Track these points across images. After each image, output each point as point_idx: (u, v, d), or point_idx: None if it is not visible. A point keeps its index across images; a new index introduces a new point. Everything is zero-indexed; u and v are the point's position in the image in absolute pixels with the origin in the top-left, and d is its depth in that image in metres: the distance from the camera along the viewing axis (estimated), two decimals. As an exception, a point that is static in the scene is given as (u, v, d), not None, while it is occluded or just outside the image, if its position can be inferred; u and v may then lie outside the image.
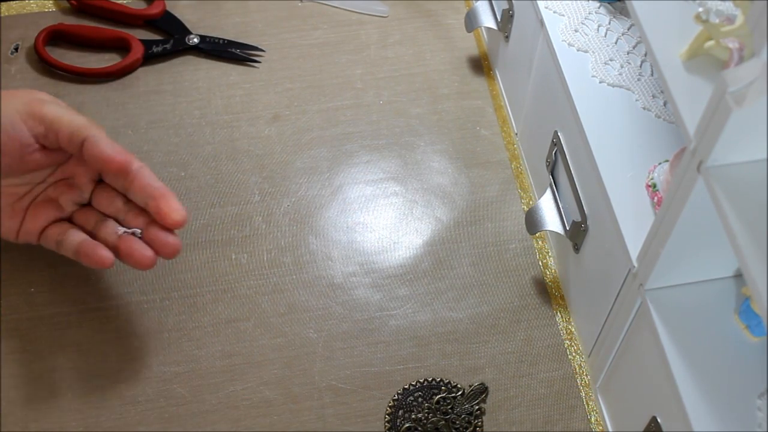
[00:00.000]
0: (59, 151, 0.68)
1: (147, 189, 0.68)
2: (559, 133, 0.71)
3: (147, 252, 0.68)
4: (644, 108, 0.67)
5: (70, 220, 0.70)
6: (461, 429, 0.70)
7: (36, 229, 0.69)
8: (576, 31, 0.71)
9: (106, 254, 0.68)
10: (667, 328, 0.58)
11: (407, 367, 0.72)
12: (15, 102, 0.66)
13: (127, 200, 0.70)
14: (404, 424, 0.69)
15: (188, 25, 0.90)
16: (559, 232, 0.72)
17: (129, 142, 0.82)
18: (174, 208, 0.68)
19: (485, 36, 0.92)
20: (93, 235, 0.70)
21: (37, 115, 0.66)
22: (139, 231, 0.68)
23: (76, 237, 0.69)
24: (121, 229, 0.69)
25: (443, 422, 0.70)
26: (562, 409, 0.71)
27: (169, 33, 0.89)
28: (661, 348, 0.57)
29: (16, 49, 0.87)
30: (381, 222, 0.80)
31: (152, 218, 0.69)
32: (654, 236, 0.56)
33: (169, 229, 0.69)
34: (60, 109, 0.67)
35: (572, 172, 0.69)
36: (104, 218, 0.70)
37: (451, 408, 0.70)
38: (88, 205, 0.71)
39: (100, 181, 0.71)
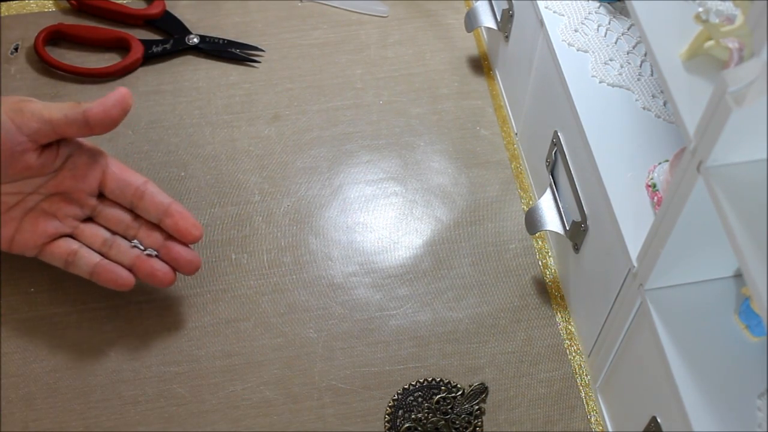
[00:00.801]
0: (52, 152, 0.68)
1: (159, 206, 0.70)
2: (559, 133, 0.71)
3: (168, 271, 0.70)
4: (644, 108, 0.67)
5: (71, 235, 0.71)
6: (461, 429, 0.70)
7: (34, 243, 0.69)
8: (576, 31, 0.71)
9: (126, 275, 0.70)
10: (667, 328, 0.58)
11: (407, 367, 0.72)
12: (1, 106, 0.66)
13: (135, 216, 0.71)
14: (404, 424, 0.69)
15: (188, 25, 0.90)
16: (559, 232, 0.72)
17: (129, 143, 0.82)
18: (193, 224, 0.70)
19: (485, 36, 0.92)
20: (103, 254, 0.70)
21: (26, 110, 0.66)
22: (155, 252, 0.70)
23: (91, 258, 0.70)
24: (140, 250, 0.70)
25: (443, 422, 0.70)
26: (562, 409, 0.71)
27: (169, 33, 0.89)
28: (661, 348, 0.57)
29: (16, 49, 0.87)
30: (381, 222, 0.80)
31: (167, 234, 0.70)
32: (654, 236, 0.56)
33: (186, 245, 0.71)
34: (46, 102, 0.68)
35: (572, 172, 0.69)
36: (113, 236, 0.71)
37: (451, 408, 0.70)
38: (89, 220, 0.71)
39: (100, 196, 0.71)
